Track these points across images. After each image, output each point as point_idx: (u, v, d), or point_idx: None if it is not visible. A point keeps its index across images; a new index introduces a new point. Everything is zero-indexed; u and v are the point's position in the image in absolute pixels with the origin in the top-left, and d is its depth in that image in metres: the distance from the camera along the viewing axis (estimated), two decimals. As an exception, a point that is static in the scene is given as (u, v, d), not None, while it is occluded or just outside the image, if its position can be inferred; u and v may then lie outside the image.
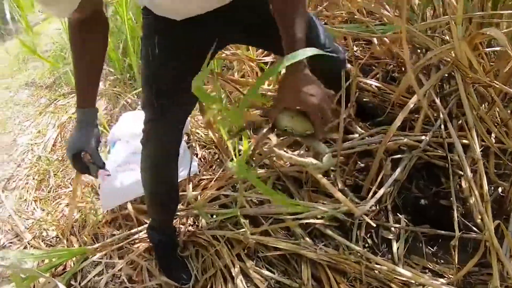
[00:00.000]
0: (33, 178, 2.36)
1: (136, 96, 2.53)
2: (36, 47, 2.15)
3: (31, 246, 1.88)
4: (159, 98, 1.15)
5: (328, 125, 0.83)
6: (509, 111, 1.43)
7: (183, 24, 1.07)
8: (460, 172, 1.41)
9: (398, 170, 1.40)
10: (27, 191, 2.28)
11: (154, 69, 1.17)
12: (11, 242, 1.99)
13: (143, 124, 1.22)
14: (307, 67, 0.83)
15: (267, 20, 0.97)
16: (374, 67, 1.87)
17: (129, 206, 1.69)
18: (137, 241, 1.61)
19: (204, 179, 1.72)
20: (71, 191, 2.03)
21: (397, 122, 1.36)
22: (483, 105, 1.46)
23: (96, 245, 1.63)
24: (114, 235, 1.68)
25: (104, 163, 1.12)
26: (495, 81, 1.31)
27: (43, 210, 2.05)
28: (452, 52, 1.36)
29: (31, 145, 2.72)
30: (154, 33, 1.13)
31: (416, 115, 1.55)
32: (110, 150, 1.78)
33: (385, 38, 1.71)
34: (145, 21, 1.16)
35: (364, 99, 1.70)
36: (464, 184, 1.40)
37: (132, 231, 1.63)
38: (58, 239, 1.84)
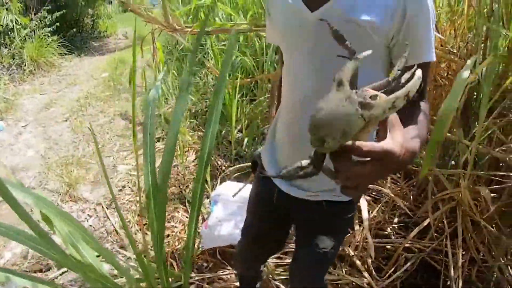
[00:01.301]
0: (136, 206, 2.95)
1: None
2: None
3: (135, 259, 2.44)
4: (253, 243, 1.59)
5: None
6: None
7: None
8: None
9: (409, 263, 2.10)
10: (130, 214, 2.87)
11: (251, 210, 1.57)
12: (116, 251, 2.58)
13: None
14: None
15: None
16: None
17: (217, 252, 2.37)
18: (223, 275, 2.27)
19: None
20: (173, 226, 2.69)
21: (413, 233, 2.06)
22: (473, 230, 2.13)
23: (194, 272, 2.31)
24: (203, 266, 2.34)
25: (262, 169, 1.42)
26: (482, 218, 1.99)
27: (147, 233, 2.56)
28: (459, 194, 2.03)
29: (131, 175, 3.37)
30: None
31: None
32: (212, 206, 2.49)
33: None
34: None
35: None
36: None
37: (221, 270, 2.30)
38: (158, 258, 2.50)
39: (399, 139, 0.63)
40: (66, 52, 7.53)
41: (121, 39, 8.02)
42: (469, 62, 1.49)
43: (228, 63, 1.08)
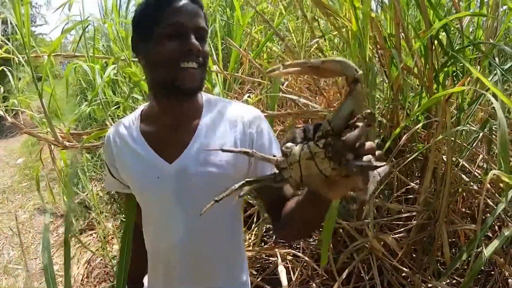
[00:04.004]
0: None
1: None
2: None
3: None
4: None
5: None
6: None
7: None
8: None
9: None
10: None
11: None
12: None
13: None
14: None
15: None
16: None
17: None
18: None
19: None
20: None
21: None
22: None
23: None
24: None
25: None
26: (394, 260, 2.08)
27: None
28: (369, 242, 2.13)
29: (60, 276, 3.26)
30: None
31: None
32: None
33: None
34: None
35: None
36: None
37: None
38: None
39: None
40: (-20, 138, 7.24)
41: (35, 115, 7.80)
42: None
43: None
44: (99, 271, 3.13)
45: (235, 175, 1.06)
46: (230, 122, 1.10)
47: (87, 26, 2.88)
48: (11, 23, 2.17)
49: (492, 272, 2.10)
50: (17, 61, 2.48)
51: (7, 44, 2.33)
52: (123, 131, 1.16)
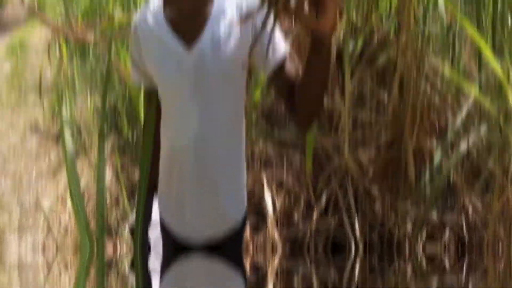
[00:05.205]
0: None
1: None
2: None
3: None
4: None
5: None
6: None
7: None
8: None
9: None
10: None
11: None
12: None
13: None
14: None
15: None
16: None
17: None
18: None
19: None
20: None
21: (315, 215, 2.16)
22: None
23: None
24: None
25: None
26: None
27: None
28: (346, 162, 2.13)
29: (54, 211, 3.06)
30: None
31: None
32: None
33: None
34: None
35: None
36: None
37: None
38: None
39: None
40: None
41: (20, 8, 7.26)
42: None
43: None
44: (93, 203, 3.00)
45: (241, 55, 1.16)
46: (237, 8, 1.17)
47: None
48: None
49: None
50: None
51: None
52: (149, 17, 1.23)
